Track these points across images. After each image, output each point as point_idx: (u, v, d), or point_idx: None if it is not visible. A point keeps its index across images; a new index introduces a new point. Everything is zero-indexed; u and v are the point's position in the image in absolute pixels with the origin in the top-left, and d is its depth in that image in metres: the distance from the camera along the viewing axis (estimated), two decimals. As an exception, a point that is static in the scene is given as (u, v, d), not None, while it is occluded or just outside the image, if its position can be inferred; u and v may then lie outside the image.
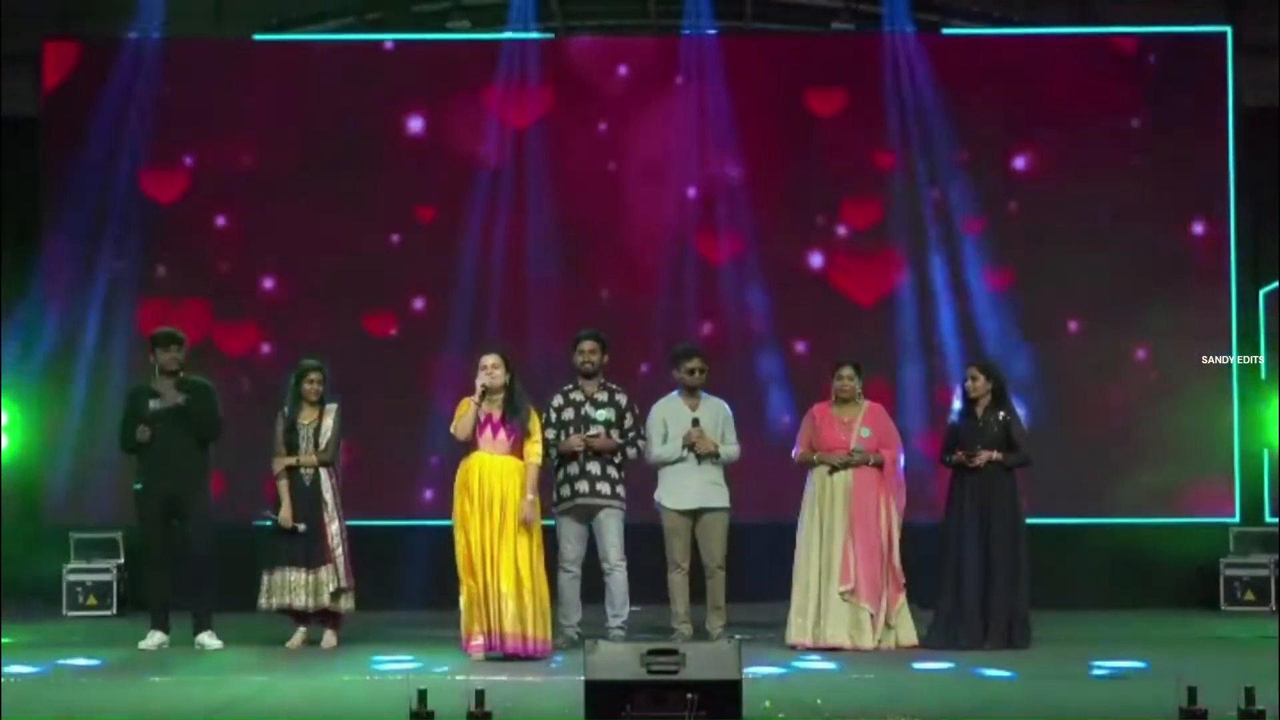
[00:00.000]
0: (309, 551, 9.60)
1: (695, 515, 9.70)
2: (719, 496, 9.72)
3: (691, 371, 9.75)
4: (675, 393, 9.83)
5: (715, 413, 9.78)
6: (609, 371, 9.85)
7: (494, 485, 8.96)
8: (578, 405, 9.68)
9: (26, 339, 12.37)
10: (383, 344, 12.44)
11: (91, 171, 12.32)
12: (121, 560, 12.03)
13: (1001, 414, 9.60)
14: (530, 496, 8.99)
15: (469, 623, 8.97)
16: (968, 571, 9.46)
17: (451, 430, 9.13)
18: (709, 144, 12.46)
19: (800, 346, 12.34)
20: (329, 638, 9.71)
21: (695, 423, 9.66)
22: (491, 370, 9.05)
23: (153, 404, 9.66)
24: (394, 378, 12.28)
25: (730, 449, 9.76)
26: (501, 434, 9.05)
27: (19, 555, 11.98)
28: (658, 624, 10.07)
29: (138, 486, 9.72)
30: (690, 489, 9.67)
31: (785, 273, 12.44)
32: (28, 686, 7.85)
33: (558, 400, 9.68)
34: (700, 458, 9.66)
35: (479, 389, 9.02)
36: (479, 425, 9.04)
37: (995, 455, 9.50)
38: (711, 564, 9.69)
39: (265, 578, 9.65)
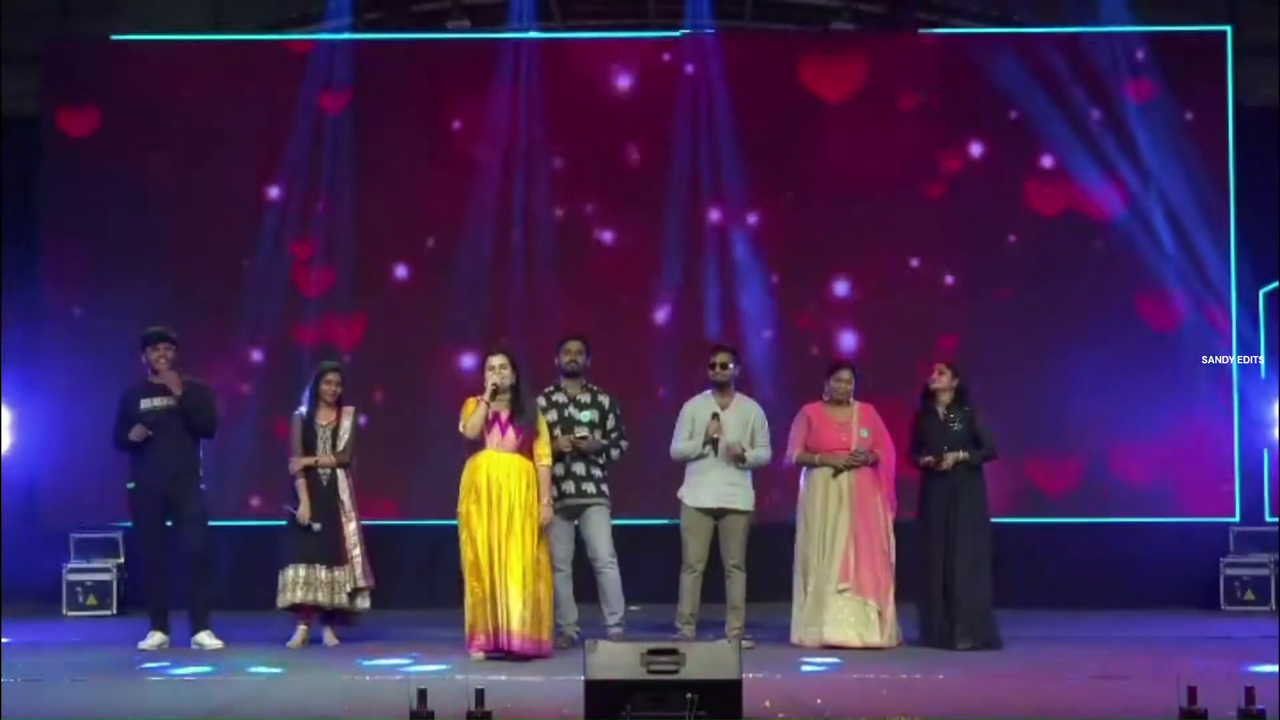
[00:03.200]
0: (329, 551, 9.64)
1: (716, 515, 9.68)
2: (741, 499, 9.68)
3: (712, 366, 9.73)
4: (708, 390, 9.81)
5: (745, 414, 9.73)
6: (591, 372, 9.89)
7: (502, 484, 8.97)
8: (561, 407, 9.71)
9: (26, 338, 12.37)
10: (385, 343, 12.44)
11: (92, 171, 12.33)
12: (121, 560, 12.04)
13: (965, 410, 9.61)
14: (549, 500, 9.07)
15: (473, 622, 8.97)
16: (935, 570, 9.47)
17: (460, 430, 9.11)
18: (709, 143, 12.46)
19: (808, 348, 12.34)
20: (329, 637, 9.73)
21: (715, 416, 9.63)
22: (500, 370, 9.06)
23: (145, 403, 9.67)
24: (393, 377, 12.31)
25: (758, 453, 9.70)
26: (510, 433, 9.06)
27: (19, 555, 11.98)
28: (660, 623, 10.06)
29: (131, 485, 9.73)
30: (711, 488, 9.64)
31: (785, 276, 12.48)
32: (28, 686, 7.85)
33: (540, 402, 9.68)
34: (717, 450, 9.60)
35: (489, 388, 9.02)
36: (487, 424, 9.05)
37: (962, 455, 9.52)
38: (729, 563, 9.66)
39: (282, 576, 9.66)
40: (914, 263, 12.45)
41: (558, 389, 9.80)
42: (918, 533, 9.61)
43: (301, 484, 9.71)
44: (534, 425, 9.13)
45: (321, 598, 9.64)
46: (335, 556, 9.65)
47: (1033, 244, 12.43)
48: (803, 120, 12.52)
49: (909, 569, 9.65)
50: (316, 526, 9.64)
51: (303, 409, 9.82)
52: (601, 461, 9.72)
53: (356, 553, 9.70)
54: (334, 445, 9.75)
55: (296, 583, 9.62)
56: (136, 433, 9.61)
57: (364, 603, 9.76)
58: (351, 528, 9.71)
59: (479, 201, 12.44)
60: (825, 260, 12.50)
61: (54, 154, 12.40)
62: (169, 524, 9.71)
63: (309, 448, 9.75)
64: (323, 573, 9.64)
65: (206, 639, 9.57)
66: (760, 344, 12.19)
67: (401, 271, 12.48)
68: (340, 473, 9.74)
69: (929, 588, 9.51)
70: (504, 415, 9.08)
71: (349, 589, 9.66)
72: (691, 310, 12.41)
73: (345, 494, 9.73)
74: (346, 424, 9.80)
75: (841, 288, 12.45)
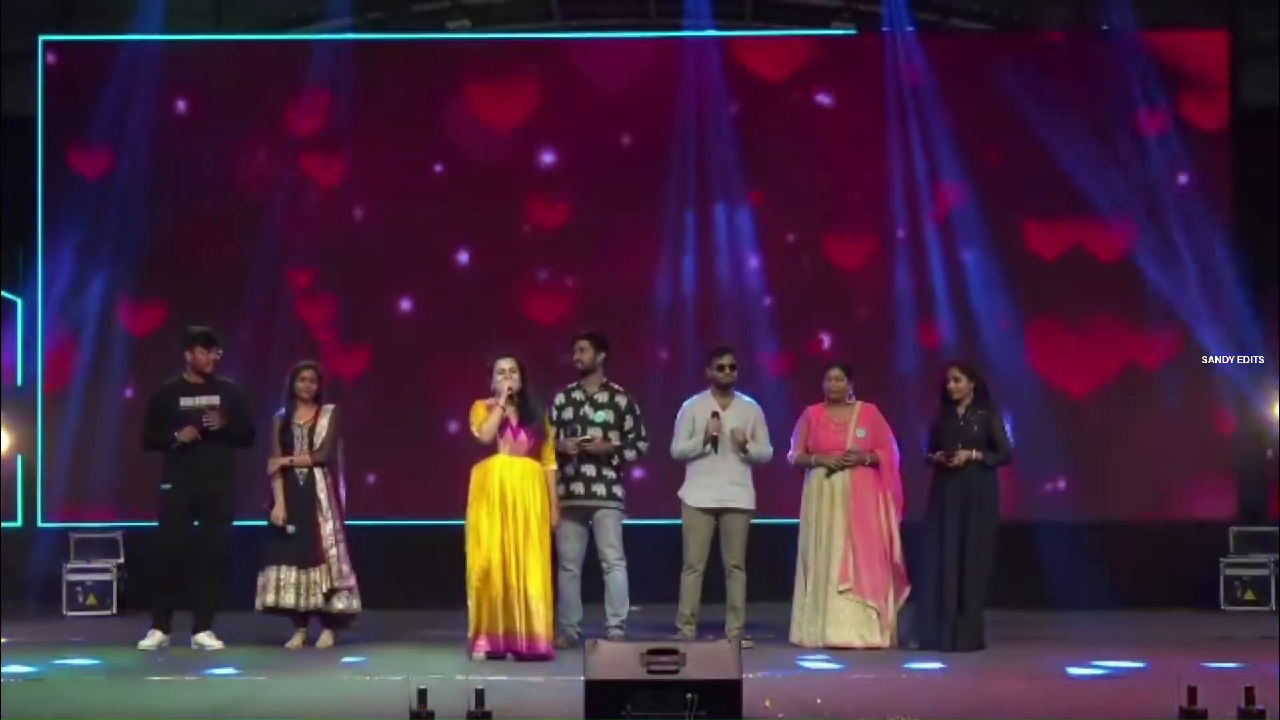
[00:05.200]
0: (303, 552, 9.57)
1: (717, 515, 9.67)
2: (742, 497, 9.66)
3: (721, 368, 9.70)
4: (707, 390, 9.79)
5: (745, 413, 9.70)
6: (612, 371, 9.84)
7: (515, 488, 8.95)
8: (577, 405, 9.67)
9: (26, 339, 12.37)
10: (385, 343, 12.45)
11: (91, 172, 12.34)
12: (121, 560, 12.02)
13: (982, 413, 9.58)
14: (556, 504, 9.08)
15: (478, 624, 8.90)
16: (948, 571, 9.44)
17: (474, 433, 9.04)
18: (709, 143, 12.48)
19: (803, 344, 12.34)
20: (326, 637, 9.68)
21: (716, 415, 9.62)
22: (509, 374, 9.05)
23: (185, 401, 9.60)
24: (394, 378, 12.32)
25: (759, 448, 9.69)
26: (522, 436, 9.05)
27: (19, 555, 11.97)
28: (660, 623, 10.06)
29: (167, 486, 9.60)
30: (713, 488, 9.63)
31: (788, 272, 12.49)
32: (27, 686, 7.84)
33: (560, 399, 9.67)
34: (718, 446, 9.56)
35: (503, 393, 9.00)
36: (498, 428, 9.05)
37: (975, 455, 9.46)
38: (730, 563, 9.64)
39: (261, 577, 9.63)
40: (912, 258, 12.46)
41: (578, 387, 9.75)
42: (927, 532, 9.58)
43: (277, 485, 9.64)
44: (543, 429, 9.13)
45: (289, 600, 9.56)
46: (310, 557, 9.56)
47: (1032, 244, 12.42)
48: (803, 118, 12.53)
49: (913, 569, 9.64)
50: (291, 529, 9.57)
51: (282, 409, 9.77)
52: (615, 463, 9.66)
53: (333, 553, 9.58)
54: (311, 444, 9.69)
55: (269, 587, 9.57)
56: (186, 433, 9.50)
57: (344, 603, 9.63)
58: (329, 528, 9.60)
59: (479, 200, 12.45)
60: (826, 258, 12.52)
61: (54, 154, 12.40)
62: (194, 524, 9.65)
63: (287, 448, 9.69)
64: (294, 575, 9.55)
65: (207, 639, 9.54)
66: (762, 342, 12.20)
67: (403, 270, 12.48)
68: (318, 472, 9.64)
69: (939, 588, 9.46)
70: (514, 419, 9.06)
71: (324, 589, 9.57)
72: (691, 309, 12.42)
73: (323, 493, 9.64)
74: (324, 423, 9.70)
75: (841, 286, 12.47)
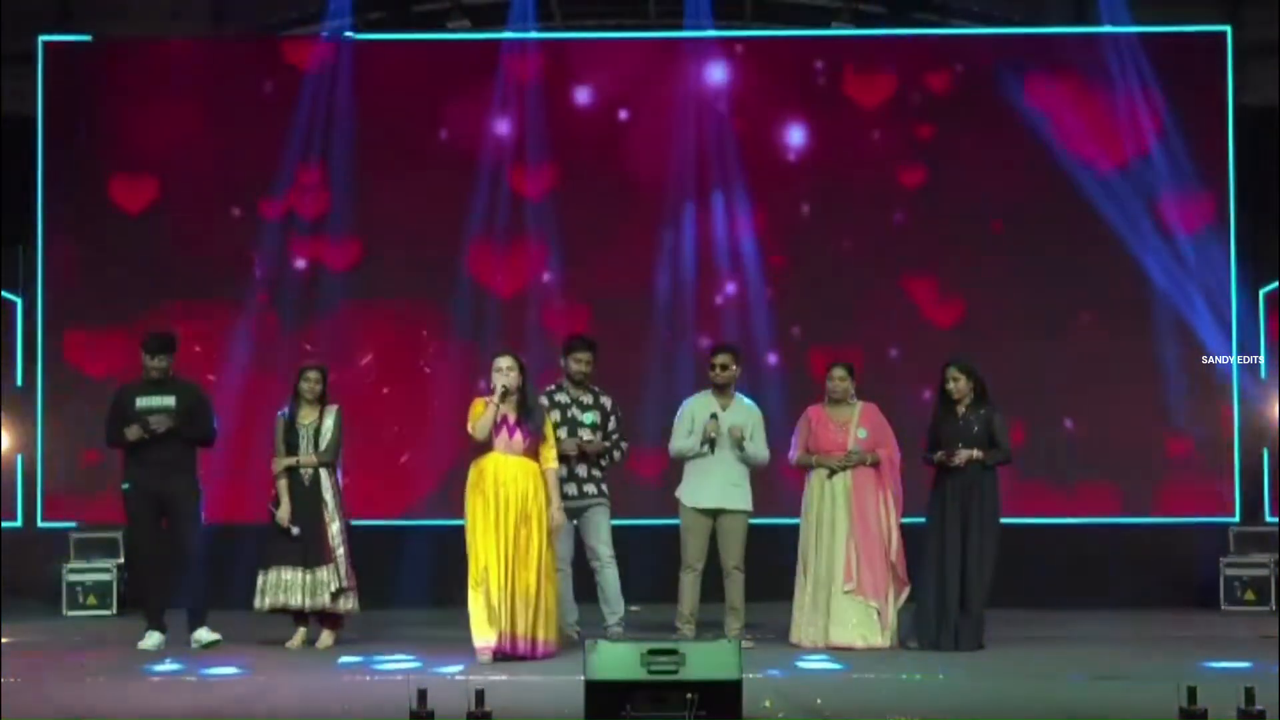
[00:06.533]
0: (308, 552, 9.59)
1: (714, 515, 9.67)
2: (739, 498, 9.65)
3: (713, 367, 9.71)
4: (707, 390, 9.80)
5: (745, 414, 9.69)
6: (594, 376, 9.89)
7: (510, 486, 8.95)
8: (564, 407, 9.70)
9: (26, 338, 12.37)
10: (384, 344, 12.45)
11: (90, 171, 12.33)
12: (121, 560, 12.02)
13: (983, 412, 9.57)
14: (559, 504, 9.05)
15: (479, 624, 8.87)
16: (950, 571, 9.43)
17: (469, 430, 9.06)
18: (709, 142, 12.47)
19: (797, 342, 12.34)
20: (325, 637, 9.69)
21: (714, 416, 9.62)
22: (507, 372, 9.05)
23: (141, 401, 9.65)
24: (394, 377, 12.32)
25: (755, 449, 9.67)
26: (518, 435, 9.04)
27: (19, 555, 11.98)
28: (660, 623, 10.06)
29: (126, 486, 9.69)
30: (710, 488, 9.63)
31: (794, 271, 12.49)
32: (28, 686, 7.85)
33: (543, 401, 9.67)
34: (715, 446, 9.56)
35: (498, 390, 9.00)
36: (494, 426, 9.03)
37: (976, 454, 9.45)
38: (729, 564, 9.63)
39: (261, 577, 9.64)
40: (912, 260, 12.46)
41: (560, 389, 9.78)
42: (927, 533, 9.57)
43: (283, 485, 9.66)
44: (542, 428, 9.12)
45: (294, 601, 9.58)
46: (317, 557, 9.57)
47: (1032, 243, 12.42)
48: (803, 120, 12.53)
49: (914, 569, 9.63)
50: (295, 530, 9.58)
51: (285, 409, 9.79)
52: (603, 463, 9.72)
53: (339, 553, 9.61)
54: (316, 445, 9.71)
55: (271, 587, 9.59)
56: (133, 432, 9.58)
57: (348, 603, 9.67)
58: (335, 528, 9.63)
59: (479, 201, 12.44)
60: (825, 258, 12.51)
61: (54, 154, 12.39)
62: (164, 524, 9.68)
63: (291, 448, 9.72)
64: (298, 574, 9.56)
65: (204, 634, 9.56)
66: (761, 343, 12.20)
67: (401, 269, 12.47)
68: (323, 472, 9.67)
69: (940, 588, 9.45)
70: (511, 418, 9.05)
71: (332, 589, 9.58)
72: (690, 311, 12.41)
73: (328, 494, 9.66)
74: (329, 423, 9.73)
75: (841, 287, 12.47)
